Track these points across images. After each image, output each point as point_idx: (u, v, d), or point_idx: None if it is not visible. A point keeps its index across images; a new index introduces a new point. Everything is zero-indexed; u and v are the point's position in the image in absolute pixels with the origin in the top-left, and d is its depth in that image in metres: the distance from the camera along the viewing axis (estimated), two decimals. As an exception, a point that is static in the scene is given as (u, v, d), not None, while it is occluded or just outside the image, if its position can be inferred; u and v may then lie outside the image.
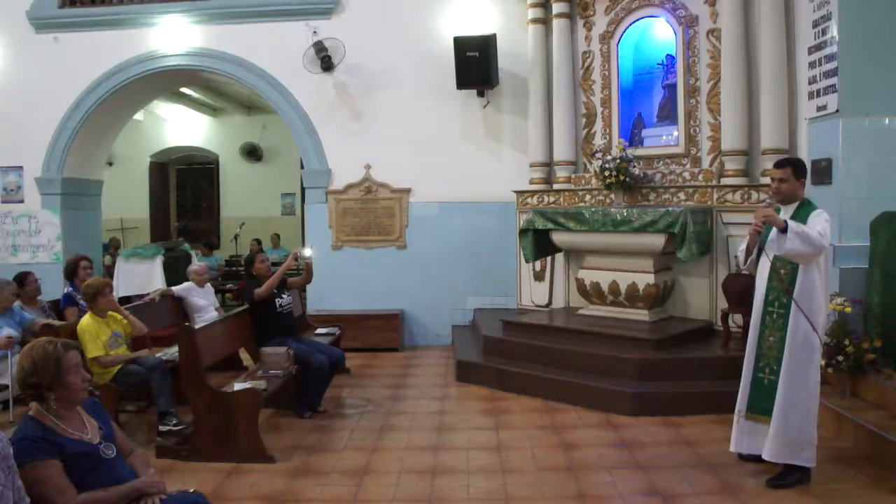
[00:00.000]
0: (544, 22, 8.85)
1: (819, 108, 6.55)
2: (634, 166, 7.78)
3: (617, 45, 8.39)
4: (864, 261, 5.96)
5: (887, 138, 6.21)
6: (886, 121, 6.21)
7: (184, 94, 13.96)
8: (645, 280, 7.27)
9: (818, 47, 6.55)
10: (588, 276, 7.73)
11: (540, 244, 8.01)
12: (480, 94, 9.28)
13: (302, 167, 9.97)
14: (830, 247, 4.65)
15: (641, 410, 6.13)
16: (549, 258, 8.53)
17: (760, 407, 4.60)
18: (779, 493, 4.43)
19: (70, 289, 7.42)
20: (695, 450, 5.29)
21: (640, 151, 8.08)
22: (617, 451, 5.35)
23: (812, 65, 6.67)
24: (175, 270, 9.90)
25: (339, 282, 9.44)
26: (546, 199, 8.78)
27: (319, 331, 7.75)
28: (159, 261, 10.01)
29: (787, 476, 4.52)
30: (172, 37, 9.67)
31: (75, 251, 8.80)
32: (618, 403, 6.24)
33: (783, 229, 4.29)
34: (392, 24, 9.42)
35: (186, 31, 9.65)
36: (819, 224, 4.36)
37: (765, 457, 4.53)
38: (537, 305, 8.75)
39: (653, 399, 6.21)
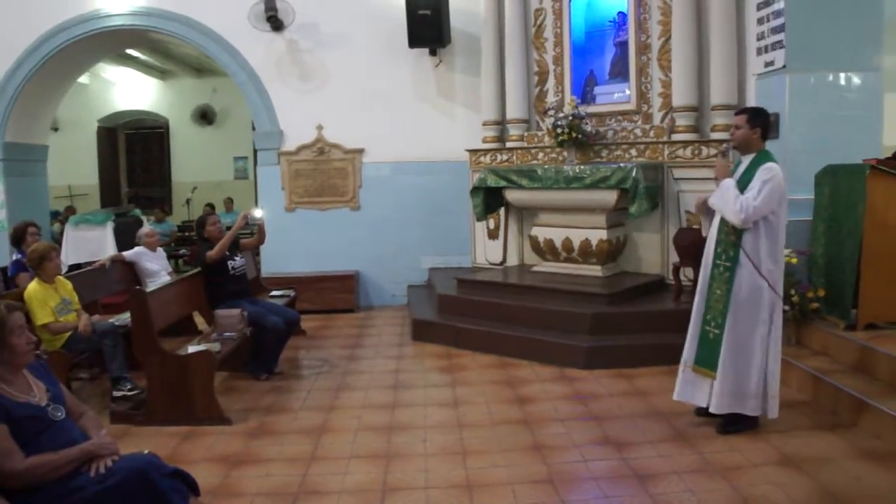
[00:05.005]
0: (496, -21, 8.78)
1: (767, 64, 6.64)
2: (587, 123, 7.80)
3: (569, 2, 8.35)
4: (809, 213, 6.11)
5: (831, 93, 6.35)
6: (830, 76, 6.34)
7: (131, 57, 13.65)
8: (598, 236, 7.34)
9: (766, 3, 6.62)
10: (541, 234, 7.78)
11: (490, 202, 8.04)
12: (433, 52, 9.21)
13: (254, 129, 9.81)
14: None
15: (595, 364, 6.24)
16: (502, 216, 8.57)
17: (706, 360, 4.69)
18: (728, 438, 4.58)
19: (19, 255, 7.26)
20: (647, 400, 5.42)
21: (592, 108, 8.09)
22: (571, 403, 5.45)
23: (760, 21, 6.74)
24: (127, 236, 9.72)
25: (294, 244, 9.38)
26: (499, 157, 8.77)
27: (274, 293, 7.71)
28: (110, 227, 9.83)
29: (737, 423, 4.66)
30: (116, -5, 9.37)
31: (20, 219, 8.58)
32: (572, 357, 6.34)
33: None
34: (343, -20, 9.27)
35: (131, -12, 9.36)
36: (756, 183, 4.44)
37: (711, 410, 4.66)
38: (492, 263, 8.79)
39: (606, 352, 6.32)
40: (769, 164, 4.50)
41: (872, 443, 4.41)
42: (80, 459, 2.99)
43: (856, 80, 6.33)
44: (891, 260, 5.44)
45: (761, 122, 4.67)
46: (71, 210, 13.46)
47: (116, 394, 5.62)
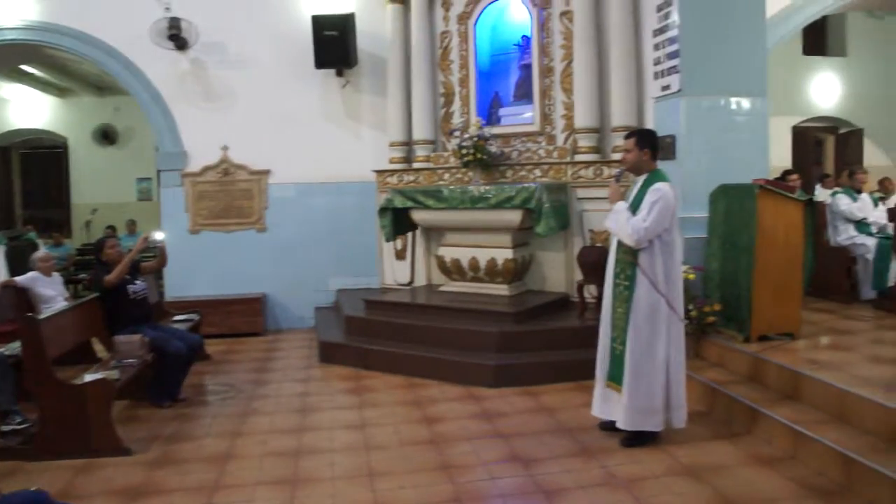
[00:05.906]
0: (403, 1, 8.85)
1: (663, 88, 6.89)
2: (492, 144, 7.92)
3: (474, 25, 8.50)
4: (705, 230, 6.35)
5: (723, 116, 6.65)
6: (722, 101, 6.64)
7: (26, 73, 13.10)
8: (503, 255, 7.44)
9: (661, 30, 6.88)
10: (448, 254, 7.84)
11: (399, 223, 8.05)
12: (339, 73, 9.22)
13: (157, 150, 9.57)
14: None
15: (502, 382, 6.30)
16: (410, 237, 8.59)
17: (615, 376, 4.82)
18: (631, 451, 4.71)
19: None
20: (554, 416, 5.50)
21: (497, 130, 8.24)
22: (479, 421, 5.48)
23: (656, 47, 7.00)
24: (21, 261, 9.31)
25: (198, 267, 9.18)
26: (405, 178, 8.82)
27: (177, 317, 7.52)
28: (1, 251, 9.38)
29: (639, 436, 4.78)
30: (6, 7, 8.95)
31: None
32: (479, 376, 6.38)
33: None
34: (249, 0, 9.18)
35: (22, 1, 8.97)
36: (646, 205, 4.60)
37: (619, 425, 4.79)
38: (399, 284, 8.80)
39: (513, 370, 6.39)
40: (657, 185, 4.65)
41: (765, 448, 4.62)
42: (-40, 499, 2.84)
43: (745, 104, 6.64)
44: (779, 274, 5.72)
45: (649, 144, 4.83)
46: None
47: (5, 428, 5.33)
